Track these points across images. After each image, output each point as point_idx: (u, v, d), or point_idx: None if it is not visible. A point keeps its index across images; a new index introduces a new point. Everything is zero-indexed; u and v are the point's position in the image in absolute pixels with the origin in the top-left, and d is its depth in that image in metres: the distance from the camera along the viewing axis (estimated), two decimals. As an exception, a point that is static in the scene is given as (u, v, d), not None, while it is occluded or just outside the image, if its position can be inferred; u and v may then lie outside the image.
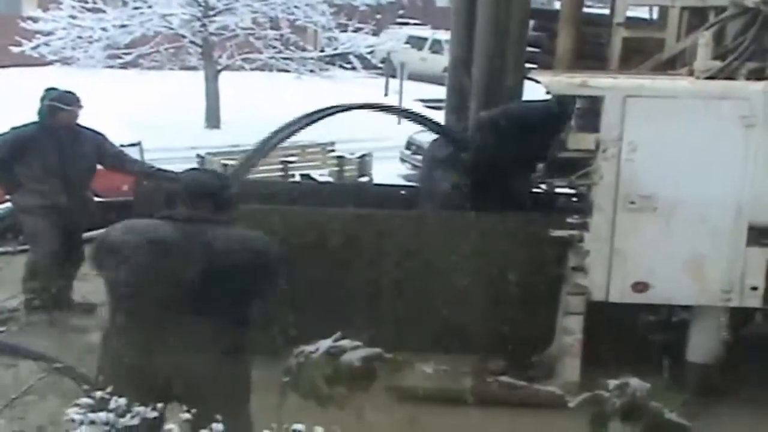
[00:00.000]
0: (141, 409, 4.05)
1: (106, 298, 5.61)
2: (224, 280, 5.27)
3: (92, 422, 3.93)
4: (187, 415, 4.12)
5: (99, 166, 9.82)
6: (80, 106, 9.54)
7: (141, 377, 5.16)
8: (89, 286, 9.84)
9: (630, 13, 9.45)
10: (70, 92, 9.49)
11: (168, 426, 3.97)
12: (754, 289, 7.56)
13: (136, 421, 4.02)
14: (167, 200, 5.76)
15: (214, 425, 3.99)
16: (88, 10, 23.40)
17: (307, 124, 8.99)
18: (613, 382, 3.44)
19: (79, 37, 23.21)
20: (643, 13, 10.34)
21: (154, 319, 5.26)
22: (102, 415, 3.96)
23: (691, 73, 7.86)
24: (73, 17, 23.31)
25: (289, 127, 9.03)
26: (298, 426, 4.08)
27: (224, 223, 5.47)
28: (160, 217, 5.50)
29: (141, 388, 4.94)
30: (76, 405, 4.03)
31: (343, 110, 9.11)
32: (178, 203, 5.52)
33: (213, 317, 5.27)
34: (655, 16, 9.81)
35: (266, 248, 5.58)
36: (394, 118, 24.07)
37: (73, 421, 3.96)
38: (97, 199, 10.63)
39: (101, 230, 5.76)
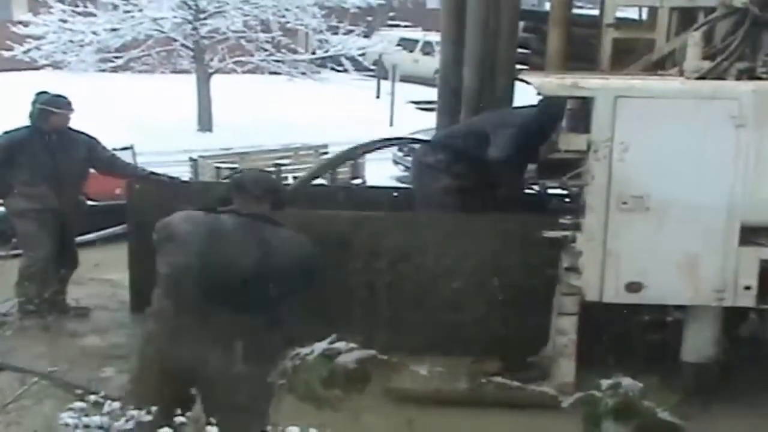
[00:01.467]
0: (135, 412, 4.05)
1: (158, 282, 5.71)
2: (274, 277, 5.48)
3: (86, 426, 3.94)
4: (182, 419, 4.12)
5: (91, 170, 9.81)
6: (71, 110, 9.54)
7: (178, 363, 5.35)
8: (84, 290, 9.87)
9: (619, 14, 9.47)
10: (61, 96, 9.49)
11: (161, 430, 3.97)
12: (748, 288, 7.56)
13: (130, 425, 4.03)
14: (222, 197, 5.90)
15: (208, 427, 4.00)
16: (79, 14, 23.39)
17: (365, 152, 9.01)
18: (605, 382, 3.45)
19: (70, 41, 23.20)
20: (632, 13, 10.36)
21: (203, 306, 5.42)
22: (96, 419, 3.96)
23: (681, 74, 7.88)
24: (63, 21, 23.29)
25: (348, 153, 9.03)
26: (293, 429, 4.10)
27: (278, 223, 5.71)
28: (222, 211, 5.69)
29: (175, 373, 5.29)
30: (70, 409, 4.03)
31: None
32: (237, 200, 5.71)
33: (259, 312, 5.45)
34: (644, 16, 9.81)
35: (313, 251, 5.80)
36: (386, 119, 24.27)
37: (67, 425, 3.97)
38: (90, 202, 10.64)
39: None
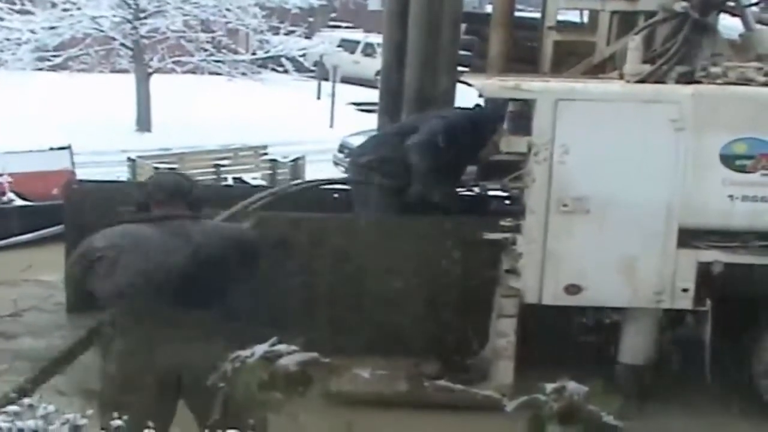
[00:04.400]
0: (70, 416, 3.97)
1: (103, 304, 5.81)
2: (211, 270, 5.61)
3: (21, 430, 3.86)
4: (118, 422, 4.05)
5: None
6: None
7: (152, 374, 5.46)
8: (17, 291, 9.73)
9: (561, 17, 9.51)
10: None
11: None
12: (685, 291, 7.62)
13: (65, 429, 3.95)
14: (138, 204, 5.94)
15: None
16: (16, 11, 23.11)
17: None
18: (550, 386, 3.44)
19: (7, 39, 22.90)
20: (574, 16, 10.41)
21: (156, 314, 5.52)
22: (30, 423, 3.88)
23: (621, 77, 7.93)
24: (0, 19, 22.98)
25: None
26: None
27: (198, 219, 5.84)
28: (138, 220, 5.79)
29: (153, 384, 5.43)
30: (4, 413, 3.95)
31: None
32: (151, 205, 5.78)
33: (206, 307, 5.61)
34: (585, 20, 9.86)
35: (241, 233, 6.24)
36: (327, 120, 24.23)
37: (0, 429, 3.88)
38: (27, 202, 10.52)
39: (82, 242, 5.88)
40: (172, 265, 5.53)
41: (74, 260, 5.91)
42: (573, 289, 7.67)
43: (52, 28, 22.89)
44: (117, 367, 5.65)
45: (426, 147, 8.50)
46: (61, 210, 9.49)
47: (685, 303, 7.69)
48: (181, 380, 5.53)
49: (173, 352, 5.47)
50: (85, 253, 5.72)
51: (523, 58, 9.51)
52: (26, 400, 4.01)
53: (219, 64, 24.44)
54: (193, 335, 5.52)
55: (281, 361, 4.04)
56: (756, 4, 9.42)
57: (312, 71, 29.40)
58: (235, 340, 4.91)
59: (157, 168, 13.74)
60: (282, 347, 4.15)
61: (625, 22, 8.83)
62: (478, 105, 9.11)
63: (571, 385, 3.34)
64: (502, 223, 7.85)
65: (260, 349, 4.14)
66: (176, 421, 5.68)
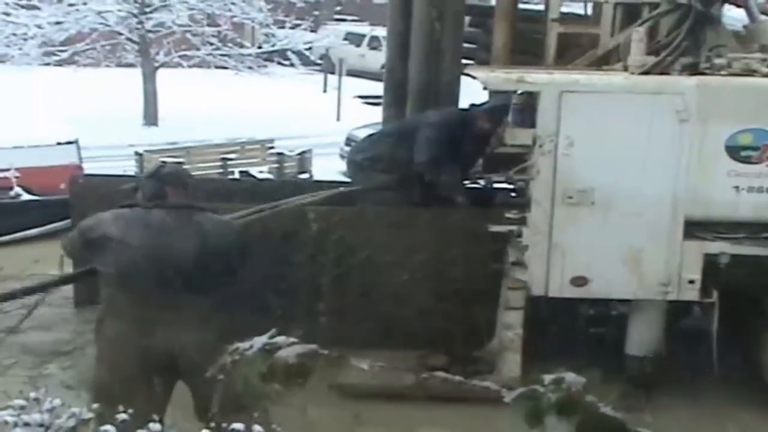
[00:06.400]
0: (77, 410, 3.99)
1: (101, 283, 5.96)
2: (219, 255, 5.87)
3: (26, 424, 3.87)
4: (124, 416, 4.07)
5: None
6: None
7: (145, 354, 5.61)
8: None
9: (564, 9, 9.51)
10: None
11: (104, 427, 3.92)
12: (692, 282, 7.63)
13: (72, 422, 3.97)
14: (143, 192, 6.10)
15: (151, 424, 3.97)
16: (23, 7, 23.12)
17: None
18: (548, 377, 3.44)
19: (14, 34, 22.92)
20: (578, 8, 10.41)
21: (156, 296, 5.69)
22: (36, 417, 3.90)
23: (625, 69, 7.92)
24: (7, 14, 23.00)
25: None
26: (238, 426, 4.06)
27: (204, 209, 6.09)
28: (144, 206, 5.93)
29: (146, 364, 5.59)
30: (9, 407, 3.97)
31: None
32: (153, 194, 5.95)
33: (206, 290, 5.81)
34: (589, 12, 9.85)
35: (237, 228, 6.53)
36: (333, 114, 24.23)
37: (6, 423, 3.90)
38: (34, 197, 10.54)
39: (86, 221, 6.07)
40: (180, 251, 5.73)
41: (76, 235, 6.09)
42: (579, 281, 7.68)
43: (59, 23, 22.91)
44: (112, 348, 5.78)
45: (428, 147, 8.59)
46: (68, 204, 9.51)
47: (692, 294, 7.70)
48: (178, 363, 5.67)
49: (170, 334, 5.62)
50: (86, 231, 5.92)
51: (527, 50, 9.50)
52: (32, 394, 4.02)
53: (225, 58, 24.44)
54: (191, 319, 5.67)
55: (280, 353, 4.04)
56: (761, -6, 9.42)
57: (318, 64, 29.42)
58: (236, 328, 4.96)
59: (164, 162, 13.76)
60: (281, 339, 4.15)
61: (629, 13, 8.82)
62: (473, 104, 9.12)
63: (570, 376, 3.34)
64: (508, 215, 7.85)
65: (259, 341, 4.14)
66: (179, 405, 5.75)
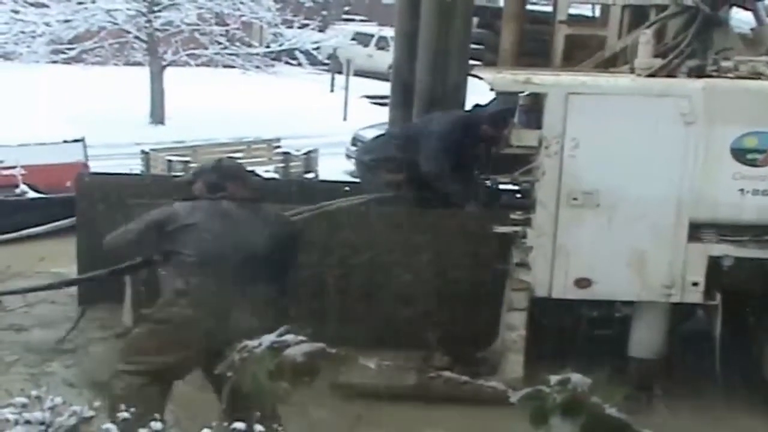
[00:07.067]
0: (78, 408, 4.00)
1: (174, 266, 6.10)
2: (283, 247, 6.25)
3: (27, 422, 3.88)
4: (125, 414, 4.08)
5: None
6: None
7: (211, 337, 5.73)
8: (30, 283, 9.73)
9: (572, 11, 9.50)
10: None
11: (105, 425, 3.92)
12: (695, 284, 7.62)
13: (73, 420, 3.97)
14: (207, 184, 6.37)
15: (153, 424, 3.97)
16: (31, 4, 23.11)
17: None
18: (554, 378, 3.44)
19: (22, 32, 22.92)
20: (585, 10, 10.40)
21: (232, 282, 5.92)
22: (37, 414, 3.90)
23: (632, 71, 7.91)
24: (15, 12, 23.00)
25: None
26: (239, 425, 4.07)
27: (262, 202, 6.44)
28: (215, 198, 6.21)
29: (210, 346, 5.68)
30: (11, 404, 3.97)
31: None
32: (215, 187, 6.24)
33: (272, 281, 6.07)
34: (597, 14, 9.85)
35: (296, 224, 7.09)
36: (340, 113, 24.24)
37: (7, 420, 3.90)
38: (40, 195, 10.54)
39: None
40: (256, 241, 6.03)
41: (141, 229, 6.19)
42: (583, 283, 7.67)
43: (67, 21, 22.90)
44: (181, 330, 5.89)
45: (435, 158, 8.67)
46: (73, 202, 9.52)
47: (695, 297, 7.69)
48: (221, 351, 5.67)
49: (238, 321, 5.68)
50: (163, 223, 6.08)
51: (534, 52, 9.50)
52: (33, 392, 4.03)
53: (233, 57, 24.42)
54: (257, 307, 5.81)
55: (288, 352, 4.05)
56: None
57: (326, 64, 29.41)
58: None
59: (170, 161, 13.77)
60: (289, 337, 4.16)
61: (637, 15, 8.81)
62: (478, 105, 9.13)
63: (575, 377, 3.34)
64: (513, 216, 7.85)
65: (268, 339, 4.15)
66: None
